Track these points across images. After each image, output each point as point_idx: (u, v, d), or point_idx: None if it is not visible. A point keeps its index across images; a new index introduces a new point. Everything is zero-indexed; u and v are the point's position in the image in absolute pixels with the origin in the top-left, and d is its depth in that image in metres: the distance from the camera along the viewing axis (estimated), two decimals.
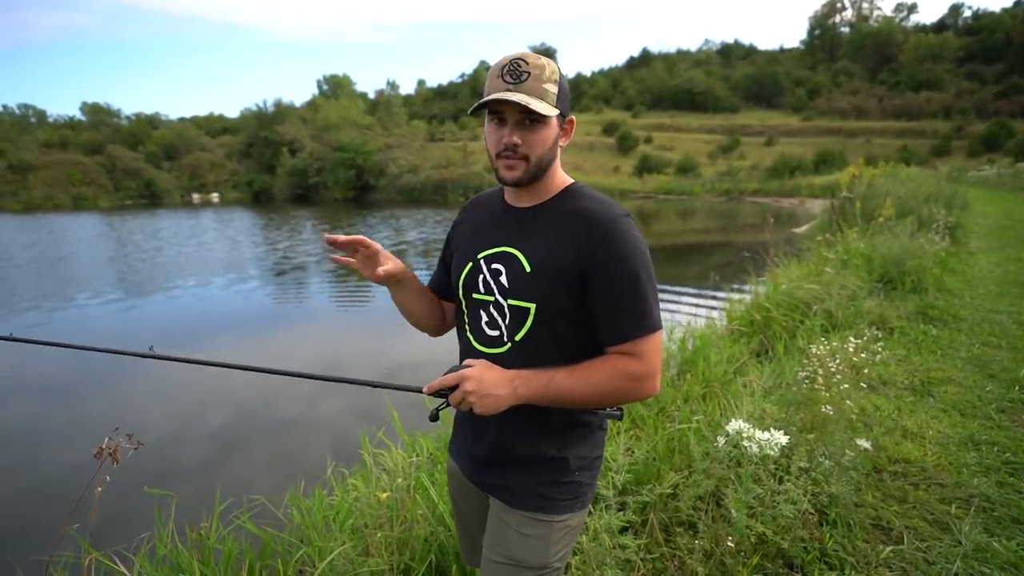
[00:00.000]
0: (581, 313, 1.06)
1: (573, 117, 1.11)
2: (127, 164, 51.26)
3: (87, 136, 56.29)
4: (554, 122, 1.04)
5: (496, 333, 1.10)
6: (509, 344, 1.08)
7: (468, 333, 1.16)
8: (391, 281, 1.16)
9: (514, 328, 1.08)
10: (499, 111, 1.02)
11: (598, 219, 1.04)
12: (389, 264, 1.12)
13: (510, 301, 1.08)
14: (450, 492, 1.39)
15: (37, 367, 6.13)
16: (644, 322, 1.01)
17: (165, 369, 5.79)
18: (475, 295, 1.13)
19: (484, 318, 1.12)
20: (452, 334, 1.31)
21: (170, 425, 4.71)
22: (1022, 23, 65.42)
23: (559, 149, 1.09)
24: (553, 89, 1.01)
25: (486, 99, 1.00)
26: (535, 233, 1.09)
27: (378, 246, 1.11)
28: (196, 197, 51.36)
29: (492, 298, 1.10)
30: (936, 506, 2.27)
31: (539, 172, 1.06)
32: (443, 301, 1.32)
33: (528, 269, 1.06)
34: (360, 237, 1.08)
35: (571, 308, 1.05)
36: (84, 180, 48.93)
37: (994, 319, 4.71)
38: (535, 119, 1.01)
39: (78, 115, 64.69)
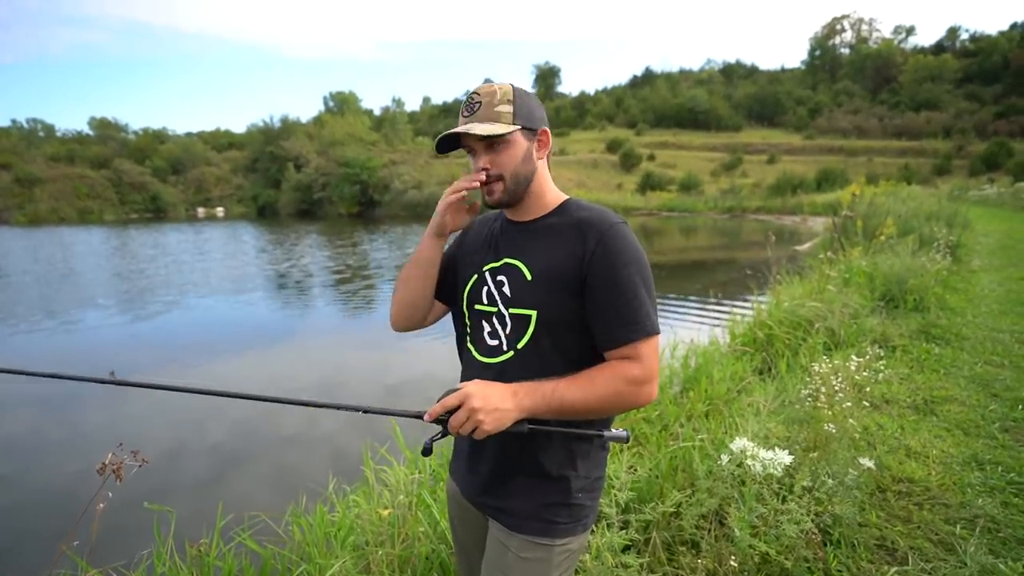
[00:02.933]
0: (582, 320, 1.07)
1: (546, 128, 1.13)
2: (133, 178, 51.88)
3: (94, 150, 57.01)
4: (518, 138, 1.08)
5: (497, 343, 1.12)
6: (511, 352, 1.09)
7: (469, 344, 1.18)
8: (449, 233, 1.21)
9: (515, 336, 1.09)
10: (467, 145, 1.10)
11: (594, 226, 1.06)
12: (469, 220, 1.21)
13: (511, 310, 1.10)
14: (449, 515, 1.37)
15: (34, 380, 6.14)
16: (641, 326, 1.02)
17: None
18: (478, 306, 1.15)
19: (486, 328, 1.14)
20: (445, 350, 1.31)
21: (168, 440, 4.69)
22: (1019, 45, 66.28)
23: (538, 162, 1.12)
24: (507, 109, 1.06)
25: (439, 136, 1.09)
26: (535, 244, 1.12)
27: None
28: (201, 211, 51.80)
29: (495, 309, 1.12)
30: (941, 526, 2.25)
31: (518, 188, 1.10)
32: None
33: (529, 277, 1.09)
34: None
35: (571, 315, 1.06)
36: (90, 194, 49.45)
37: (997, 338, 4.70)
38: (495, 142, 1.06)
39: (86, 130, 65.69)
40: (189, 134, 72.75)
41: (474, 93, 1.08)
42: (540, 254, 1.10)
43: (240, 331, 8.60)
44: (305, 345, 7.89)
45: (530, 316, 1.07)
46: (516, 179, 1.09)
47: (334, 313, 10.09)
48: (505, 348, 1.10)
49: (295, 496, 2.74)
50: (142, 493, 2.91)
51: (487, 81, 1.13)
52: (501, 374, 1.08)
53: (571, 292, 1.05)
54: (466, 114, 1.07)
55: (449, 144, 1.11)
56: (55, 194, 47.81)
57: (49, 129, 68.76)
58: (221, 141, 71.82)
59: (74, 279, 13.96)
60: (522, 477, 1.11)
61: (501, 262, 1.14)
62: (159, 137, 65.75)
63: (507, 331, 1.10)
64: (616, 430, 1.05)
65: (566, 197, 1.17)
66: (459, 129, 1.05)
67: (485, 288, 1.14)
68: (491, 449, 1.12)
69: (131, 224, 38.77)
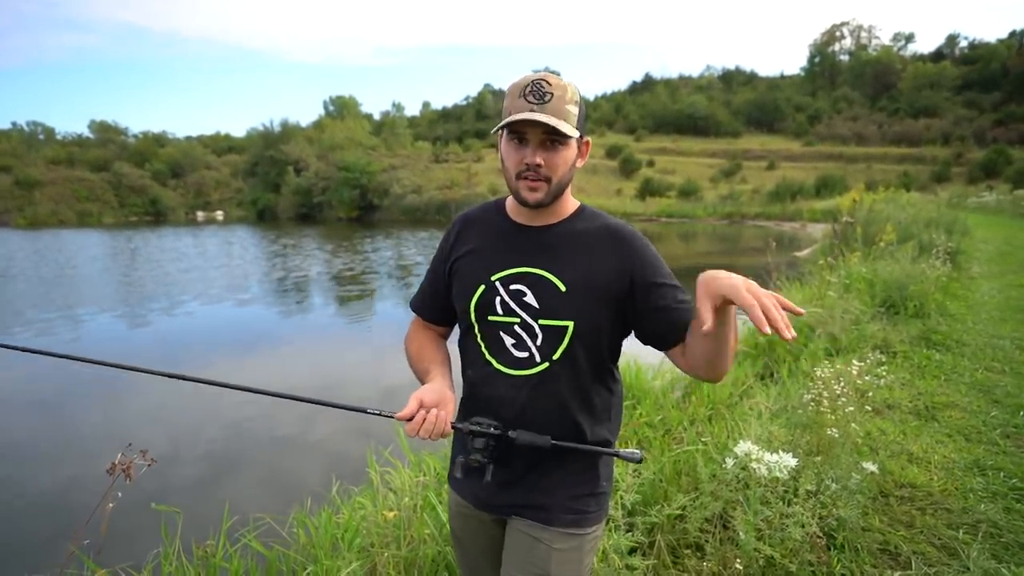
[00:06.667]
0: (611, 328, 1.11)
1: (589, 139, 1.12)
2: (133, 181, 51.92)
3: (94, 153, 57.05)
4: (574, 143, 1.05)
5: (526, 354, 1.10)
6: (546, 363, 1.09)
7: (486, 356, 1.14)
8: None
9: (550, 347, 1.09)
10: (521, 131, 1.02)
11: (624, 235, 1.11)
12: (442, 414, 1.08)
13: (542, 321, 1.08)
14: (454, 531, 1.32)
15: (32, 382, 6.15)
16: None
17: (162, 385, 5.81)
18: (491, 317, 1.11)
19: (509, 340, 1.11)
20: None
21: (168, 442, 4.68)
22: (1017, 53, 66.71)
23: (575, 170, 1.10)
24: (575, 111, 1.02)
25: (516, 118, 0.98)
26: (563, 252, 1.10)
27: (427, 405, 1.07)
28: (200, 215, 51.85)
29: (516, 320, 1.10)
30: (943, 531, 2.27)
31: (559, 193, 1.07)
32: (435, 326, 1.29)
33: (563, 288, 1.07)
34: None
35: (605, 324, 1.09)
36: (90, 196, 49.49)
37: (997, 344, 4.72)
38: (557, 140, 1.01)
39: (86, 133, 65.77)
40: (189, 138, 72.80)
41: (543, 81, 1.00)
42: (572, 263, 1.09)
43: (246, 334, 8.62)
44: (307, 347, 7.90)
45: (566, 327, 1.07)
46: (560, 184, 1.06)
47: (336, 316, 10.10)
48: (539, 359, 1.09)
49: (298, 498, 2.75)
50: (143, 494, 2.91)
51: (551, 73, 1.04)
52: (538, 385, 1.10)
53: (607, 303, 1.08)
54: (533, 100, 0.99)
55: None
56: (55, 197, 47.83)
57: (49, 132, 68.90)
58: (221, 145, 71.92)
59: (81, 282, 13.95)
60: (559, 473, 1.13)
61: (518, 271, 1.10)
62: (159, 140, 65.77)
63: (538, 342, 1.09)
64: (629, 450, 1.07)
65: (579, 203, 1.16)
66: (544, 119, 0.97)
67: (498, 299, 1.10)
68: (527, 452, 1.10)
69: (130, 227, 38.70)
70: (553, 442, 1.05)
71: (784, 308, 0.84)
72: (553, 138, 1.01)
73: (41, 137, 67.19)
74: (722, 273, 0.90)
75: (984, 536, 2.20)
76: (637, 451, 1.07)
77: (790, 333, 0.81)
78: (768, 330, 0.81)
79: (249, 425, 5.07)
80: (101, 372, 6.33)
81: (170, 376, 1.17)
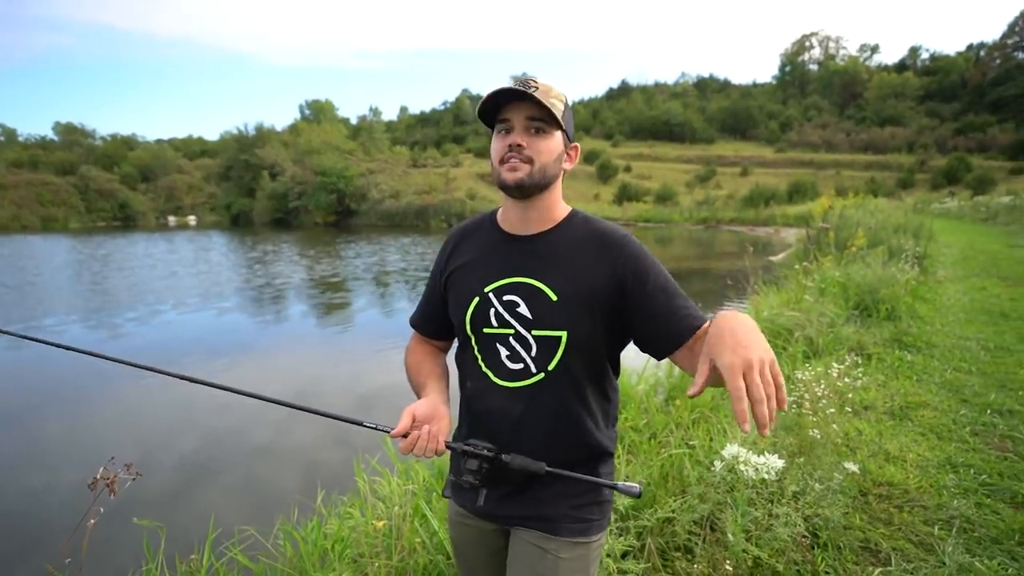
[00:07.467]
0: (605, 336, 1.09)
1: (577, 144, 1.12)
2: (101, 185, 50.54)
3: (59, 156, 55.46)
4: (559, 138, 1.06)
5: (520, 366, 1.09)
6: (542, 374, 1.08)
7: (483, 369, 1.13)
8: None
9: (544, 358, 1.08)
10: (506, 120, 1.04)
11: (617, 239, 1.09)
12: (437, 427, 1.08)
13: (535, 332, 1.07)
14: (453, 540, 1.30)
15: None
16: (698, 313, 1.06)
17: (136, 393, 5.66)
18: (486, 330, 1.11)
19: (504, 352, 1.10)
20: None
21: (143, 453, 4.54)
22: (975, 66, 69.65)
23: (562, 171, 1.10)
24: (560, 106, 1.03)
25: (500, 88, 1.00)
26: (553, 261, 1.09)
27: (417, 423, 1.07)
28: (172, 220, 50.71)
29: (511, 331, 1.09)
30: (920, 528, 2.34)
31: (542, 182, 1.05)
32: (434, 340, 1.30)
33: (554, 298, 1.07)
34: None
35: (599, 332, 1.08)
36: (55, 201, 47.94)
37: (964, 345, 4.90)
38: (541, 128, 1.03)
39: (50, 135, 63.80)
40: (160, 141, 71.26)
41: (529, 79, 1.03)
42: (563, 272, 1.08)
43: (227, 343, 8.38)
44: (293, 356, 7.76)
45: (559, 337, 1.06)
46: (544, 172, 1.05)
47: (322, 326, 9.93)
48: (534, 370, 1.08)
49: (281, 508, 2.70)
50: (122, 506, 2.83)
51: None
52: (533, 397, 1.08)
53: (601, 311, 1.06)
54: (519, 88, 1.01)
55: (486, 115, 1.06)
56: (16, 201, 46.16)
57: (10, 133, 66.71)
58: (193, 148, 70.69)
59: (49, 291, 13.48)
60: (561, 484, 1.11)
61: (509, 281, 1.10)
62: (128, 143, 64.21)
63: (532, 353, 1.08)
64: (627, 483, 1.02)
65: (571, 209, 1.15)
66: (535, 94, 0.99)
67: (492, 310, 1.10)
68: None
69: (99, 232, 37.55)
70: (548, 469, 1.04)
71: (778, 402, 0.79)
72: (537, 125, 1.03)
73: (2, 139, 64.96)
74: (733, 334, 0.83)
75: (958, 531, 2.28)
76: (636, 485, 1.01)
77: (766, 431, 0.77)
78: (747, 428, 0.76)
79: (225, 434, 4.95)
80: (73, 380, 6.13)
81: (182, 378, 1.15)
